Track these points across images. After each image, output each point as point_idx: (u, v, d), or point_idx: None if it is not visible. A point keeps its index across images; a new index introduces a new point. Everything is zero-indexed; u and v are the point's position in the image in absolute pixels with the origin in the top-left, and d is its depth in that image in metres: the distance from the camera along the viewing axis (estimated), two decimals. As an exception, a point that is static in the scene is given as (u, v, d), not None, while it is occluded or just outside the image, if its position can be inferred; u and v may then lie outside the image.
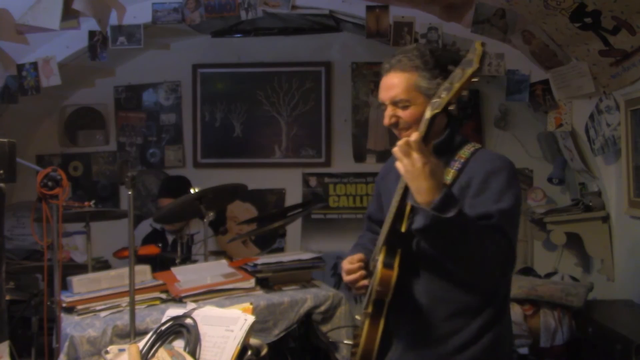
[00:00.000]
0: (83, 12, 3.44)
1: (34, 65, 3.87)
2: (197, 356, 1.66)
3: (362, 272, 1.78)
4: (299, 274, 3.04)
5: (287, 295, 2.85)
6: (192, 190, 3.40)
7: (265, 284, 2.94)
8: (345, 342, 2.75)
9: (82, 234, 3.76)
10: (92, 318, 2.51)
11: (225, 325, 1.72)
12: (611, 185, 3.54)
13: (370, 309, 1.70)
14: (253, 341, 1.79)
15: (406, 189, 1.58)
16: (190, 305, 1.99)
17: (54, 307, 2.54)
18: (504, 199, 1.63)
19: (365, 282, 1.77)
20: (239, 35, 4.63)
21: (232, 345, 1.66)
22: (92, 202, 3.15)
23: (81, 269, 3.18)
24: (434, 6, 3.55)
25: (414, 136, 1.50)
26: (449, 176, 1.69)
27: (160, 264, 3.43)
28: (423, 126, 1.52)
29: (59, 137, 4.79)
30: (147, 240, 4.07)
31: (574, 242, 3.80)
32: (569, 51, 3.30)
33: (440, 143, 1.71)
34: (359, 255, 1.82)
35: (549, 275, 3.79)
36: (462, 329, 1.70)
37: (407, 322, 1.75)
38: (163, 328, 1.77)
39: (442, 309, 1.71)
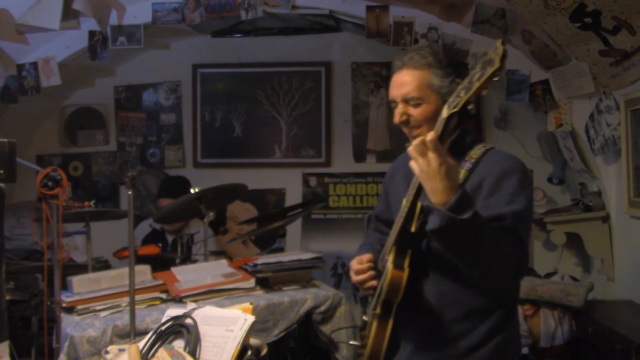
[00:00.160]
0: (83, 12, 3.44)
1: (34, 65, 3.87)
2: (197, 356, 1.65)
3: (371, 273, 1.75)
4: (299, 274, 3.04)
5: (287, 295, 2.85)
6: (192, 190, 3.40)
7: (265, 284, 2.94)
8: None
9: (82, 234, 3.76)
10: (92, 318, 2.51)
11: (225, 325, 1.71)
12: (611, 185, 3.53)
13: (378, 310, 1.68)
14: (253, 341, 1.79)
15: (419, 189, 1.55)
16: (190, 305, 1.99)
17: (54, 307, 2.54)
18: (517, 200, 1.61)
19: (374, 282, 1.74)
20: (239, 35, 4.63)
21: (232, 345, 1.66)
22: (92, 202, 3.15)
23: (81, 269, 3.18)
24: (434, 6, 3.55)
25: (430, 135, 1.46)
26: (460, 177, 1.66)
27: (160, 264, 3.43)
28: (440, 125, 1.48)
29: (59, 137, 4.79)
30: (147, 241, 4.07)
31: (574, 242, 3.80)
32: (569, 51, 3.30)
33: (451, 143, 1.67)
34: (368, 256, 1.79)
35: (549, 275, 3.79)
36: (471, 331, 1.68)
37: (416, 324, 1.73)
38: (163, 328, 1.77)
39: (451, 311, 1.69)
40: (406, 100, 1.71)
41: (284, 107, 4.62)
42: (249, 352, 1.71)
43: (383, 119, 4.51)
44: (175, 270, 3.03)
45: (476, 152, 1.73)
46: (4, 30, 3.46)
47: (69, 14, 3.45)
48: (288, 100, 4.61)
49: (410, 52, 1.73)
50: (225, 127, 4.67)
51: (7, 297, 3.08)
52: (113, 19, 3.78)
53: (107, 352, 1.80)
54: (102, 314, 2.54)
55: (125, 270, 2.53)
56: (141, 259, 3.31)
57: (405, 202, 1.63)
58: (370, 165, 4.56)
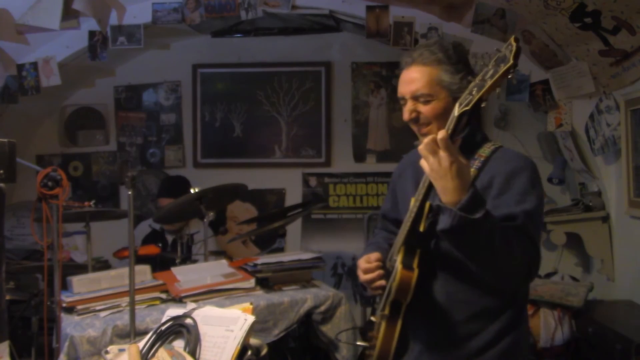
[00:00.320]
0: (83, 12, 3.43)
1: (34, 65, 3.87)
2: (197, 356, 1.65)
3: (379, 272, 1.71)
4: (299, 274, 3.04)
5: (287, 295, 2.85)
6: (192, 190, 3.40)
7: (265, 284, 2.94)
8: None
9: (82, 234, 3.76)
10: (92, 318, 2.51)
11: (225, 325, 1.71)
12: (611, 185, 3.53)
13: (387, 310, 1.66)
14: (253, 341, 1.79)
15: (429, 188, 1.52)
16: (190, 305, 2.00)
17: (54, 307, 2.54)
18: (528, 199, 1.58)
19: (382, 282, 1.70)
20: (239, 35, 4.63)
21: (232, 345, 1.66)
22: (92, 202, 3.15)
23: (81, 269, 3.18)
24: (434, 6, 3.55)
25: (441, 134, 1.41)
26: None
27: (160, 264, 3.43)
28: (451, 124, 1.44)
29: (59, 137, 4.79)
30: (146, 241, 4.07)
31: (574, 242, 3.80)
32: (569, 51, 3.30)
33: (462, 141, 1.63)
34: (376, 254, 1.75)
35: (549, 275, 3.79)
36: (481, 331, 1.65)
37: (424, 324, 1.70)
38: (163, 328, 1.77)
39: (460, 311, 1.66)
40: (415, 97, 1.67)
41: (284, 107, 4.62)
42: (249, 352, 1.71)
43: (383, 119, 4.51)
44: (175, 270, 3.03)
45: (485, 150, 1.70)
46: (4, 30, 3.46)
47: (69, 14, 3.45)
48: (288, 100, 4.61)
49: (419, 49, 1.70)
50: (225, 127, 4.67)
51: (7, 297, 3.08)
52: (113, 19, 3.78)
53: (107, 352, 1.80)
54: (102, 314, 2.54)
55: (125, 270, 2.53)
56: (141, 259, 3.31)
57: (414, 202, 1.60)
58: (370, 165, 4.56)
